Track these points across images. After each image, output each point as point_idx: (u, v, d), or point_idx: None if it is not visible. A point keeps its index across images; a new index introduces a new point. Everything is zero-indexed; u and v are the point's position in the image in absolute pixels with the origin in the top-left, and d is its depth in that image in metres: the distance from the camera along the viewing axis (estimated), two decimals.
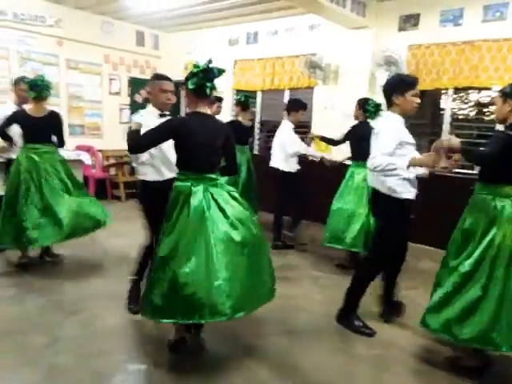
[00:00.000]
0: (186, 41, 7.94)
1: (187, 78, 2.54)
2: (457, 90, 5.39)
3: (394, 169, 2.69)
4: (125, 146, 2.66)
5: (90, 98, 7.47)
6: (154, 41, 8.25)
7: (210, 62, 2.52)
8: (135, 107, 8.04)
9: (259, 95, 7.23)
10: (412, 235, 3.32)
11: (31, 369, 2.51)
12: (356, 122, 4.54)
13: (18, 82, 4.41)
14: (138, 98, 7.97)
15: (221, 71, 2.56)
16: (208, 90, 2.53)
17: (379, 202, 3.05)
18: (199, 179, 2.52)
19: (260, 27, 6.99)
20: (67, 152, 6.51)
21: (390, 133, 2.81)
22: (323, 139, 5.06)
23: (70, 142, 6.63)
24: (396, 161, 2.68)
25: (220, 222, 2.45)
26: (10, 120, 4.00)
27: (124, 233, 5.27)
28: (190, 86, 2.50)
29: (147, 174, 3.01)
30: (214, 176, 2.58)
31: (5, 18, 6.24)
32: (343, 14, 5.26)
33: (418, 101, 2.94)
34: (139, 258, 3.21)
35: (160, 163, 2.97)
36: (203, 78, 2.50)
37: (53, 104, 6.97)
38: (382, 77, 5.65)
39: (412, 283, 4.07)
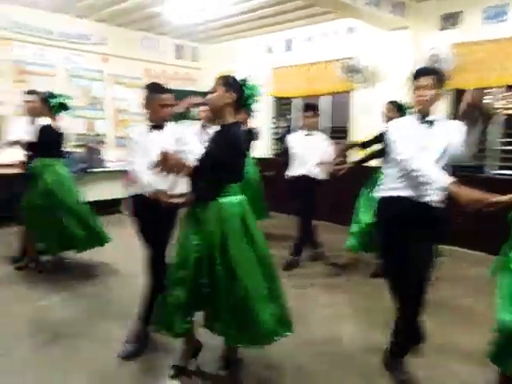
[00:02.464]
0: (224, 51, 8.08)
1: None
2: (509, 88, 5.16)
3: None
4: None
5: (135, 111, 7.71)
6: (193, 53, 8.43)
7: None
8: (177, 118, 8.21)
9: (297, 101, 7.22)
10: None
11: (79, 374, 2.59)
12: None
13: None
14: (178, 109, 8.14)
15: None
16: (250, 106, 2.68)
17: None
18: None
19: (297, 34, 7.01)
20: (111, 163, 6.78)
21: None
22: (351, 147, 4.59)
23: (118, 153, 6.89)
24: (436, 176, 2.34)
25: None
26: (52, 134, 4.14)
27: None
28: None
29: None
30: None
31: (51, 37, 6.56)
32: (381, 16, 5.20)
33: (419, 93, 2.52)
34: None
35: None
36: (255, 94, 2.62)
37: (98, 118, 7.23)
38: None
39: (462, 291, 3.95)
